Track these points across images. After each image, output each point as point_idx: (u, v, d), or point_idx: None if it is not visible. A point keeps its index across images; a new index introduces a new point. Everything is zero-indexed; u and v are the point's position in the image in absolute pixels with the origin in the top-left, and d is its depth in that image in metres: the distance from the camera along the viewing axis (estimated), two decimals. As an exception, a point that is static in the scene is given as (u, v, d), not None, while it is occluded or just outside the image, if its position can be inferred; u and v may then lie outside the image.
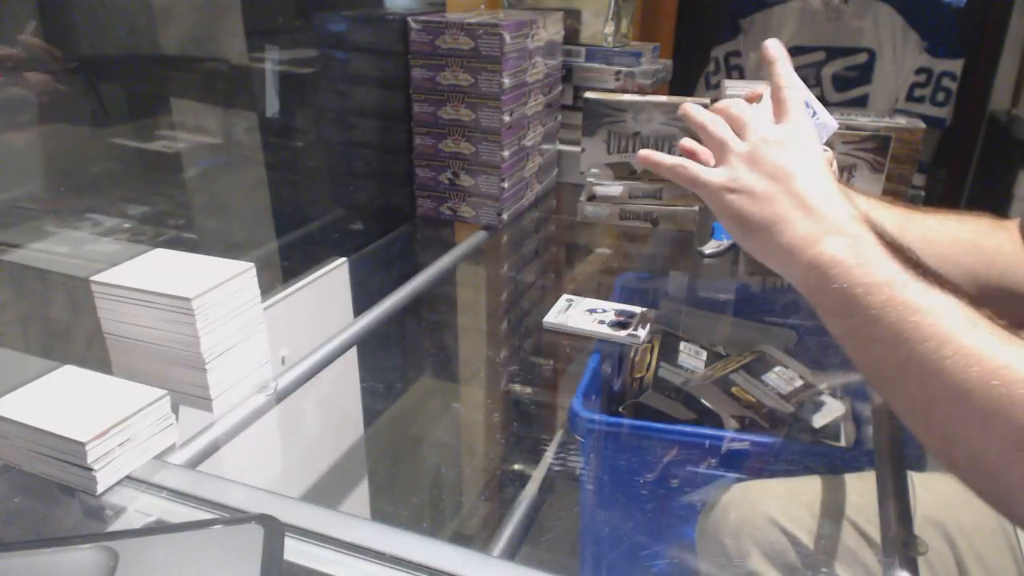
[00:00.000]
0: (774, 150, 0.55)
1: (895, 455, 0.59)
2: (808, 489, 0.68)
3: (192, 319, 0.60)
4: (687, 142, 0.62)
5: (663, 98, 1.10)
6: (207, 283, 0.61)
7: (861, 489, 0.67)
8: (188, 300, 0.59)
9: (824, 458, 0.74)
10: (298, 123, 1.00)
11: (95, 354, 0.66)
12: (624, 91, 1.24)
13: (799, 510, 0.66)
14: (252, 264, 0.65)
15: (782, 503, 0.67)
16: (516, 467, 0.88)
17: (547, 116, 1.26)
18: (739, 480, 0.72)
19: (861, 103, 1.87)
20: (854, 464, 0.72)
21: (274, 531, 0.47)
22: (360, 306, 0.88)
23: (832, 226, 0.50)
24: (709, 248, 1.04)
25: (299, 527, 0.50)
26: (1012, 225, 0.63)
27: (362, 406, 0.97)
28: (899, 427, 0.63)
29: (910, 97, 1.85)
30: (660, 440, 0.75)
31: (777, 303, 1.06)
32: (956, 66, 1.82)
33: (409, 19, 1.07)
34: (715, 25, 1.98)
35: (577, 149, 1.18)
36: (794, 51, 1.85)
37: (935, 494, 0.65)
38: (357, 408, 0.98)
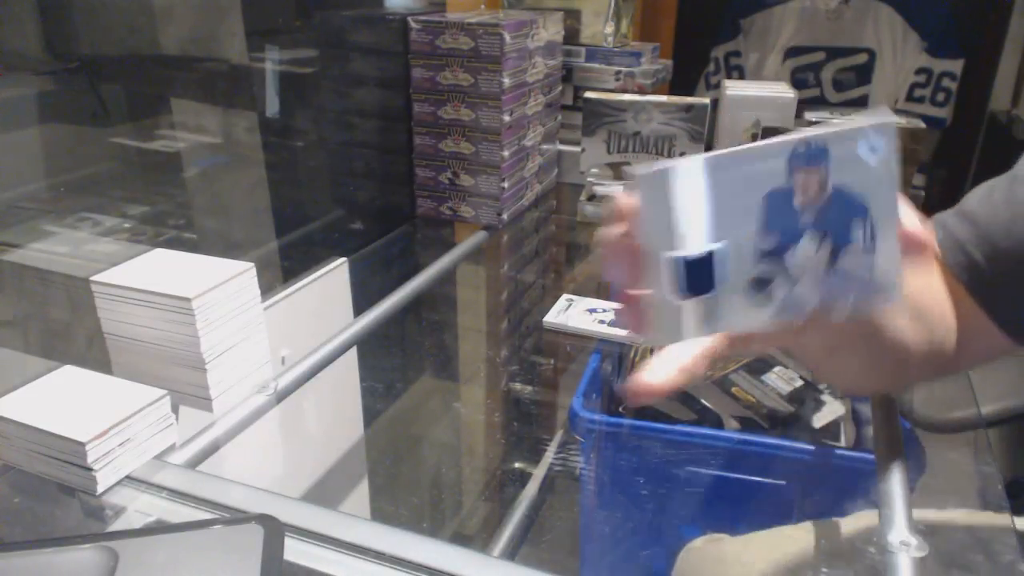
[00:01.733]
0: None
1: (895, 456, 0.59)
2: (794, 538, 0.64)
3: (192, 319, 0.60)
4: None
5: (663, 98, 1.10)
6: (207, 283, 0.61)
7: (861, 531, 0.62)
8: (188, 300, 0.59)
9: (824, 458, 0.74)
10: (298, 123, 1.00)
11: (95, 354, 0.66)
12: (624, 91, 1.24)
13: (783, 562, 0.63)
14: (252, 264, 0.65)
15: (759, 562, 0.63)
16: (516, 467, 0.88)
17: (547, 116, 1.26)
18: (713, 526, 0.70)
19: (861, 103, 1.86)
20: (854, 461, 0.71)
21: (274, 531, 0.47)
22: (360, 306, 0.88)
23: None
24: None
25: (299, 527, 0.50)
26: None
27: (362, 406, 0.97)
28: (899, 427, 0.63)
29: (910, 97, 1.85)
30: (660, 440, 0.75)
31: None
32: (956, 66, 1.82)
33: (409, 19, 1.07)
34: (715, 25, 1.98)
35: (577, 149, 1.18)
36: (794, 51, 1.85)
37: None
38: (357, 408, 0.97)
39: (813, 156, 0.29)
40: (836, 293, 0.30)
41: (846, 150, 0.29)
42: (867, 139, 0.29)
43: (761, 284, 0.30)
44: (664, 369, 0.37)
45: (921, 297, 0.47)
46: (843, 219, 0.30)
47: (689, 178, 0.29)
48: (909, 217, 0.31)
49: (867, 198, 0.29)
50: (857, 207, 0.29)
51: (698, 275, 0.30)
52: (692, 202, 0.29)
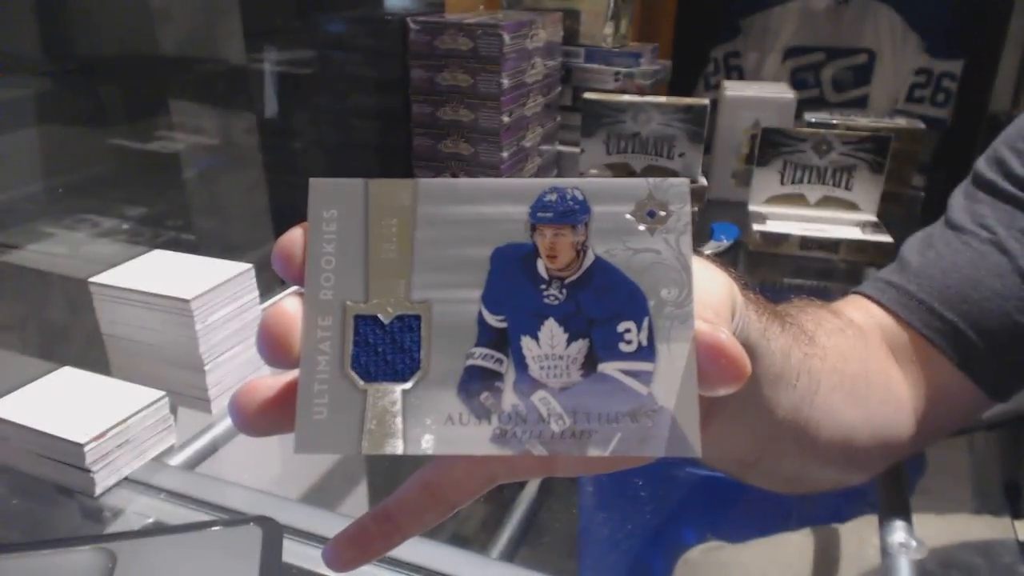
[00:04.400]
0: None
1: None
2: (793, 545, 0.63)
3: (191, 320, 0.60)
4: None
5: (662, 99, 1.10)
6: (206, 284, 0.61)
7: (860, 538, 0.61)
8: (187, 302, 0.59)
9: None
10: (296, 124, 1.00)
11: (94, 355, 0.66)
12: (623, 92, 1.24)
13: (782, 569, 0.61)
14: (251, 265, 0.65)
15: (758, 570, 0.62)
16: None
17: (546, 117, 1.26)
18: (712, 528, 0.69)
19: (861, 104, 1.86)
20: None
21: (273, 533, 0.47)
22: (359, 307, 0.87)
23: None
24: (708, 249, 1.04)
25: (298, 529, 0.50)
26: (874, 338, 0.47)
27: (361, 407, 0.97)
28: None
29: (910, 98, 1.85)
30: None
31: (776, 303, 1.06)
32: (956, 67, 1.82)
33: (408, 20, 1.07)
34: (714, 25, 1.98)
35: (576, 150, 1.18)
36: (794, 51, 1.85)
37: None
38: (356, 409, 0.97)
39: (568, 210, 0.20)
40: (593, 418, 0.20)
41: (616, 208, 0.20)
42: (647, 198, 0.20)
43: (478, 381, 0.20)
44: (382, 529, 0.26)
45: (857, 381, 0.42)
46: (607, 309, 0.20)
47: (389, 200, 0.20)
48: (717, 323, 0.21)
49: (644, 284, 0.20)
50: (626, 295, 0.20)
51: (382, 348, 0.20)
52: (389, 236, 0.20)
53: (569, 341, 0.20)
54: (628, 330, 0.20)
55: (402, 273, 0.20)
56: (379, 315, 0.20)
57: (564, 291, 0.20)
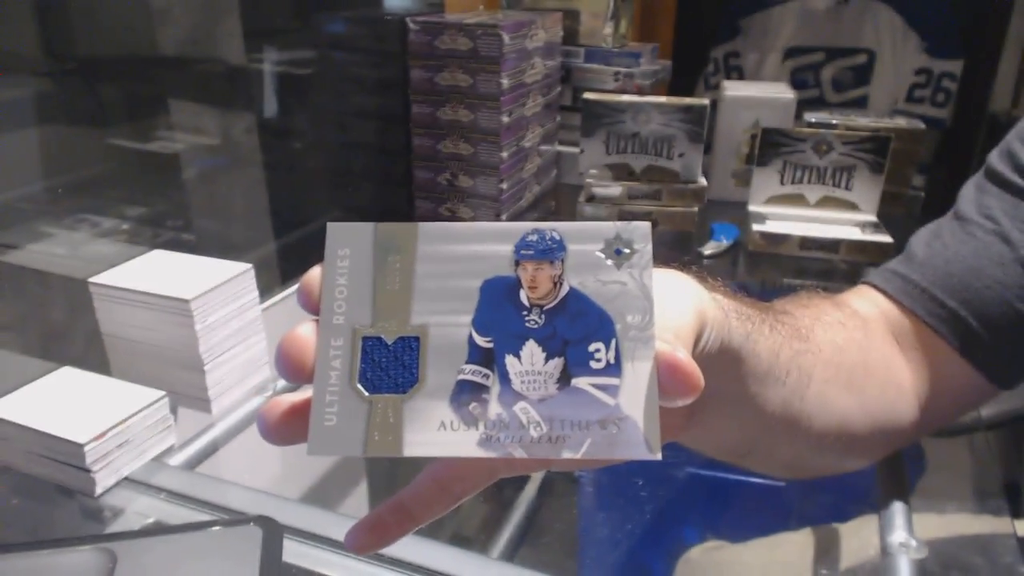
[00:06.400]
0: None
1: (894, 458, 0.59)
2: (794, 544, 0.63)
3: (191, 320, 0.60)
4: None
5: (662, 99, 1.10)
6: (206, 284, 0.61)
7: (860, 538, 0.60)
8: (187, 302, 0.59)
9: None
10: (296, 124, 1.00)
11: (94, 355, 0.66)
12: (623, 92, 1.24)
13: (782, 569, 0.62)
14: (250, 265, 0.65)
15: (759, 570, 0.63)
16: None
17: (546, 117, 1.26)
18: (712, 528, 0.69)
19: (861, 104, 1.86)
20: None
21: (273, 533, 0.47)
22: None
23: None
24: (708, 249, 1.04)
25: (298, 528, 0.50)
26: (878, 327, 0.48)
27: (361, 407, 0.97)
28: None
29: (910, 98, 1.85)
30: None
31: (778, 298, 1.06)
32: (956, 67, 1.82)
33: (407, 20, 1.07)
34: (714, 25, 1.98)
35: (576, 150, 1.18)
36: (793, 52, 1.85)
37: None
38: (356, 409, 0.97)
39: (547, 249, 0.24)
40: (567, 425, 0.22)
41: (587, 247, 0.24)
42: (615, 238, 0.24)
43: (467, 393, 0.23)
44: (396, 516, 0.29)
45: (854, 371, 0.44)
46: (579, 332, 0.23)
47: (394, 240, 0.24)
48: (676, 344, 0.24)
49: (612, 311, 0.23)
50: (596, 320, 0.23)
51: (385, 364, 0.23)
52: (393, 270, 0.24)
53: (547, 359, 0.23)
54: (598, 350, 0.23)
55: (404, 302, 0.23)
56: (383, 337, 0.23)
57: (543, 316, 0.24)
